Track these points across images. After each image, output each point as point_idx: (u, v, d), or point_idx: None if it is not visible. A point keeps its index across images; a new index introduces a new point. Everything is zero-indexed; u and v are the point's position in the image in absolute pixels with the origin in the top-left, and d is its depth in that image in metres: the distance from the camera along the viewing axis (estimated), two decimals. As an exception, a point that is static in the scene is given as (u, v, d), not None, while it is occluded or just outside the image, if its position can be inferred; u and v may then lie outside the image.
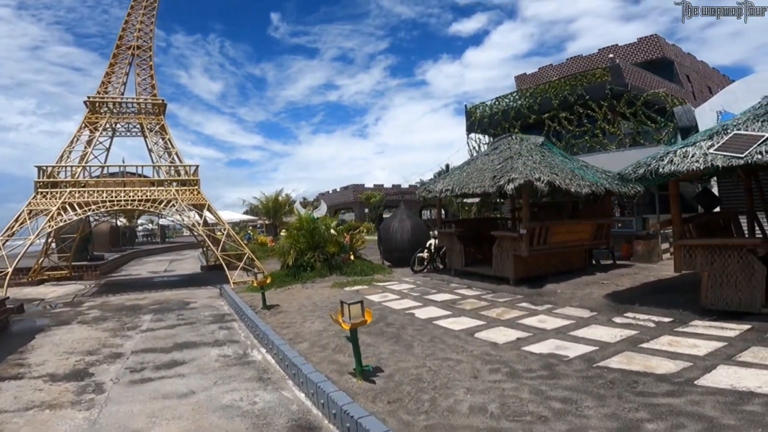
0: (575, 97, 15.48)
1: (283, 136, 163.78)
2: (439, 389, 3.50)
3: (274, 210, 22.60)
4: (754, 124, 4.99)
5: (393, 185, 35.86)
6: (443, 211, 23.23)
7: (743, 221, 7.23)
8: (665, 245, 11.07)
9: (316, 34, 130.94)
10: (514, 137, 9.30)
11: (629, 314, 5.67)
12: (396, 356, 4.41)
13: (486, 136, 19.42)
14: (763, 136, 4.63)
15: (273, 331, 5.78)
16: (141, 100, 13.40)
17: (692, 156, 5.06)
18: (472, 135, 19.76)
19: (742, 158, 4.64)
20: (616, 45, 18.70)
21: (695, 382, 3.31)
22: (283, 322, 6.43)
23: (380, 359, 4.34)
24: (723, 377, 3.36)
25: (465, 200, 15.07)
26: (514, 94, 18.28)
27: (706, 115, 13.56)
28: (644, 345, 4.33)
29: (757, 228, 7.10)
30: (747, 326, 4.70)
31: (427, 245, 11.78)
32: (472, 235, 10.19)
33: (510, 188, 7.46)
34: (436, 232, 12.77)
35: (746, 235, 7.03)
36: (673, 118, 13.71)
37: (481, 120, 19.02)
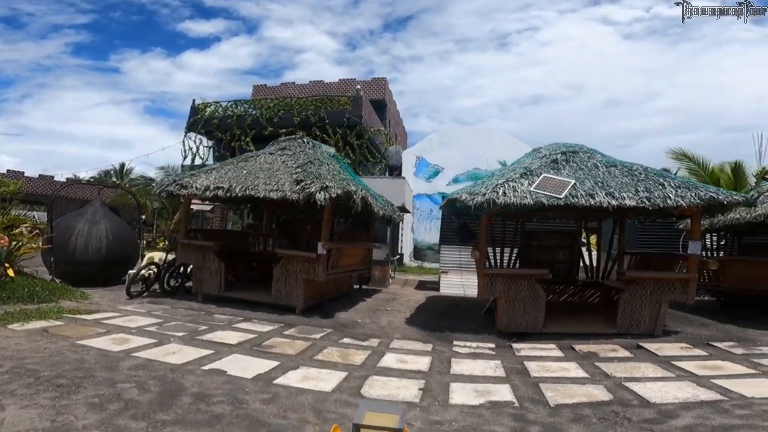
0: (316, 119, 15.85)
1: None
2: None
3: None
4: (550, 171, 6.09)
5: (41, 175, 25.20)
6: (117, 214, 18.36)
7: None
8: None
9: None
10: (305, 140, 8.10)
11: (458, 342, 5.58)
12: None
13: (209, 140, 16.96)
14: (571, 182, 5.68)
15: None
16: None
17: (521, 192, 5.63)
18: (192, 134, 17.09)
19: (561, 199, 5.49)
20: (354, 79, 20.66)
21: (654, 402, 3.37)
22: None
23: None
24: (660, 393, 3.59)
25: (194, 208, 12.01)
26: (254, 102, 17.14)
27: (408, 159, 16.77)
28: (535, 374, 4.20)
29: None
30: (552, 344, 5.46)
31: (148, 260, 8.46)
32: (230, 251, 7.99)
33: (322, 197, 6.21)
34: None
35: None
36: (387, 156, 16.12)
37: (209, 120, 16.69)
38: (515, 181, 5.82)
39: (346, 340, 5.47)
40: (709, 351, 5.16)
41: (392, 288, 10.85)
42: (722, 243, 9.37)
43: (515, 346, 5.45)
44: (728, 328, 6.31)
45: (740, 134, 72.74)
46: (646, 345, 5.36)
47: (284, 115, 16.27)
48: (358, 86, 17.44)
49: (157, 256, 8.64)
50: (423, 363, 4.59)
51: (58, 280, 8.12)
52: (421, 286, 11.60)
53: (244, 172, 7.16)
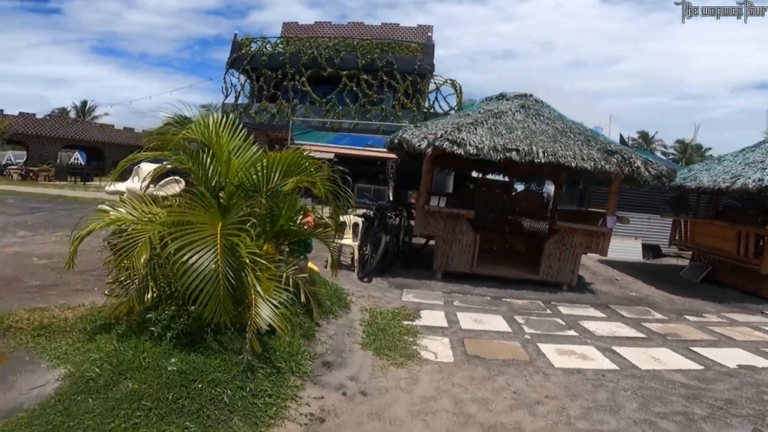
0: (383, 63, 14.86)
1: None
2: None
3: None
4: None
5: (21, 113, 20.51)
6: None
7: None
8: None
9: None
10: (537, 99, 7.29)
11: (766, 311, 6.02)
12: None
13: (258, 80, 15.43)
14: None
15: None
16: None
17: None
18: (235, 72, 15.83)
19: None
20: (398, 24, 17.96)
21: None
22: None
23: None
24: None
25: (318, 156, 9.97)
26: (310, 41, 15.46)
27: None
28: None
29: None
30: None
31: (353, 225, 7.12)
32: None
33: (647, 173, 5.85)
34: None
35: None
36: (461, 108, 15.04)
37: (255, 57, 15.29)
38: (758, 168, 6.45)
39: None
40: None
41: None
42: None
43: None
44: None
45: (692, 102, 78.96)
46: None
47: (346, 56, 15.05)
48: (430, 33, 15.97)
49: (352, 220, 7.28)
50: None
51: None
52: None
53: (518, 132, 6.20)
